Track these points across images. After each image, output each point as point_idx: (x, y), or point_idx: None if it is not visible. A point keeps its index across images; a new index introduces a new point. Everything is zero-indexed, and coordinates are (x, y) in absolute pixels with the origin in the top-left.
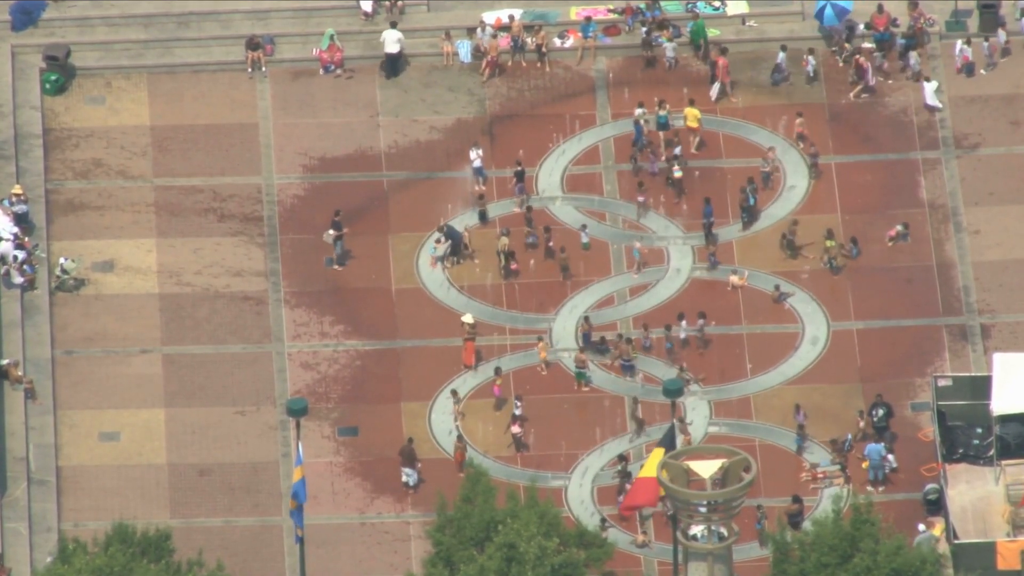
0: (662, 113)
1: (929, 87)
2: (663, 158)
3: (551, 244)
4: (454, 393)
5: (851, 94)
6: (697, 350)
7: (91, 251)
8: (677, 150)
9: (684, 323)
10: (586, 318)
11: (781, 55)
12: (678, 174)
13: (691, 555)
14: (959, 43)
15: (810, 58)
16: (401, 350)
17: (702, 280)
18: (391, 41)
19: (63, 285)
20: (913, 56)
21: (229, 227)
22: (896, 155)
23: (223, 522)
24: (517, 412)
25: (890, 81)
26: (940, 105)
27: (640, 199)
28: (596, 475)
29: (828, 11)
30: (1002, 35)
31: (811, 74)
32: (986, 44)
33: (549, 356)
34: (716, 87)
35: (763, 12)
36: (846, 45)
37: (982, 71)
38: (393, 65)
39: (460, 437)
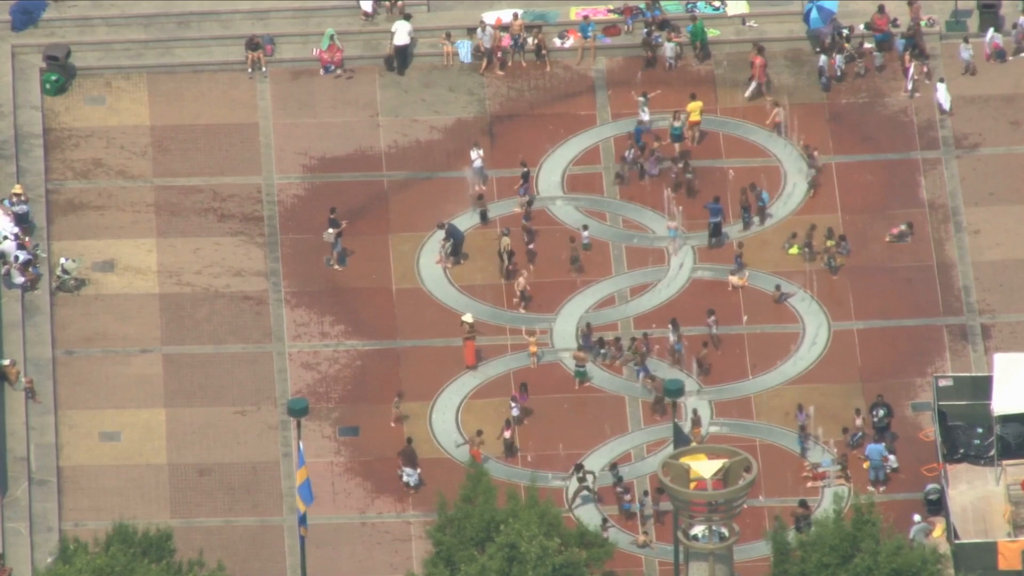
0: (676, 125)
1: (943, 87)
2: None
3: (532, 247)
4: (399, 396)
5: (902, 93)
6: (709, 348)
7: (91, 251)
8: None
9: (675, 329)
10: (587, 324)
11: (823, 59)
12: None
13: (692, 555)
14: (990, 31)
15: (838, 57)
16: (401, 350)
17: (703, 280)
18: (402, 32)
19: (63, 285)
20: (966, 51)
21: (229, 227)
22: (896, 155)
23: (223, 522)
24: (515, 413)
25: (927, 82)
26: (947, 107)
27: (654, 171)
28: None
29: (814, 14)
30: None
31: (839, 74)
32: (1014, 30)
33: (540, 352)
34: (753, 86)
35: (763, 12)
36: (846, 45)
37: (1011, 57)
38: (402, 57)
39: (479, 433)
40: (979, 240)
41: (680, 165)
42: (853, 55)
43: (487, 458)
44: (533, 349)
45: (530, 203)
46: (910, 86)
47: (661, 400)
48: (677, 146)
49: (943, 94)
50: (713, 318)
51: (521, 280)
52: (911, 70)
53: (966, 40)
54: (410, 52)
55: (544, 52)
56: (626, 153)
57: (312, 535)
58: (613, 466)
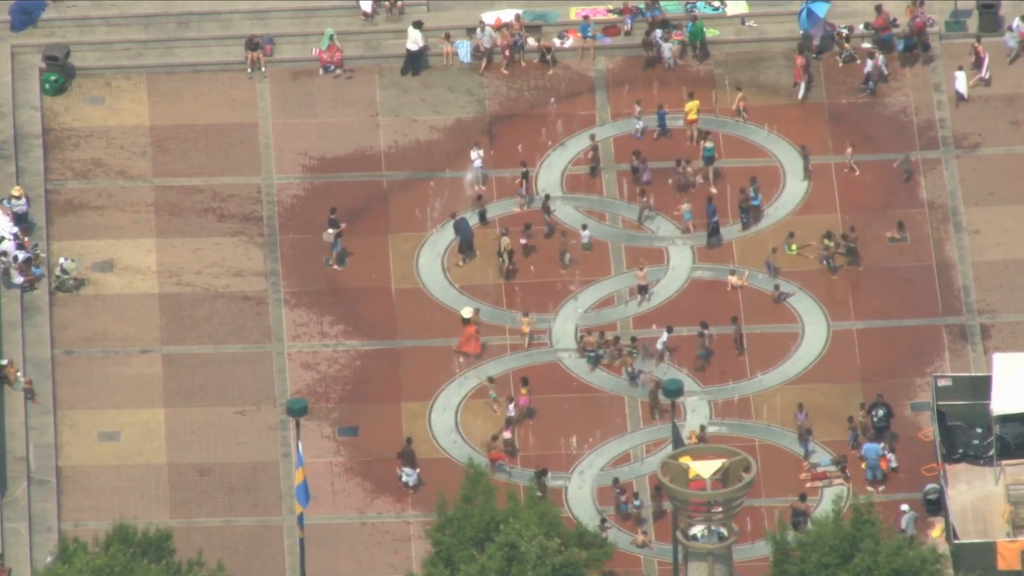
0: (708, 145)
1: (961, 76)
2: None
3: (525, 242)
4: (491, 380)
5: (969, 84)
6: (704, 359)
7: (91, 251)
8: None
9: (667, 334)
10: (584, 332)
11: (870, 63)
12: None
13: (691, 555)
14: (1016, 20)
15: (881, 58)
16: (401, 350)
17: (702, 280)
18: (411, 39)
19: (63, 285)
20: (1012, 39)
21: (229, 227)
22: (896, 155)
23: (223, 522)
24: (510, 414)
25: (977, 76)
26: (966, 95)
27: (645, 178)
28: (596, 475)
29: (803, 15)
30: None
31: (883, 72)
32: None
33: (532, 333)
34: (801, 87)
35: (763, 12)
36: (847, 45)
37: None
38: (415, 62)
39: (495, 437)
40: (979, 240)
41: (701, 177)
42: (853, 55)
43: (501, 465)
44: (525, 329)
45: (547, 197)
46: (986, 74)
47: (656, 396)
48: (711, 168)
49: (962, 82)
50: (707, 331)
51: (640, 272)
52: (985, 59)
53: (1010, 28)
54: (423, 58)
55: (548, 57)
56: (590, 154)
57: (312, 535)
58: (543, 472)
